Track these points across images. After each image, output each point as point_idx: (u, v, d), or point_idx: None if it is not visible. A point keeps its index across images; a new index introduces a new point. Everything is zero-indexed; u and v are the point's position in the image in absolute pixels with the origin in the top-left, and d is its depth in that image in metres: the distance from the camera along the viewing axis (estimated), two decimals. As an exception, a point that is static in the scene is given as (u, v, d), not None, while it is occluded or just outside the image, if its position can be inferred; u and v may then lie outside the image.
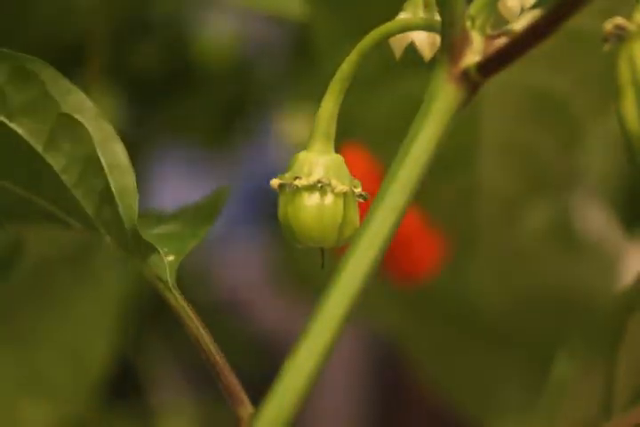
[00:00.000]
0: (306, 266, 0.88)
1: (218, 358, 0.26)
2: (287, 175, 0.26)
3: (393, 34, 0.26)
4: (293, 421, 0.25)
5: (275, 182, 0.26)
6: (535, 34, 0.24)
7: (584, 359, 0.28)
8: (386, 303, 0.75)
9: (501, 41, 0.25)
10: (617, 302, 0.29)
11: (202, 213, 0.29)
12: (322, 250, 0.27)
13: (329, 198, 0.26)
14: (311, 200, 0.26)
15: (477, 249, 0.72)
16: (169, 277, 0.26)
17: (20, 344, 0.64)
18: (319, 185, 0.26)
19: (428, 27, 0.26)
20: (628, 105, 0.24)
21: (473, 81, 0.25)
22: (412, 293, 0.71)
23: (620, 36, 0.24)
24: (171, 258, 0.27)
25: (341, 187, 0.26)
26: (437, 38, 0.26)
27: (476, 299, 0.72)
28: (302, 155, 0.26)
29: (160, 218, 0.29)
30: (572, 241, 0.73)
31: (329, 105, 0.26)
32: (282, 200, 0.26)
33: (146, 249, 0.26)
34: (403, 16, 0.27)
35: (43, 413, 0.65)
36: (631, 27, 0.24)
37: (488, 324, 0.72)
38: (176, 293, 0.26)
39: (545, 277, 0.73)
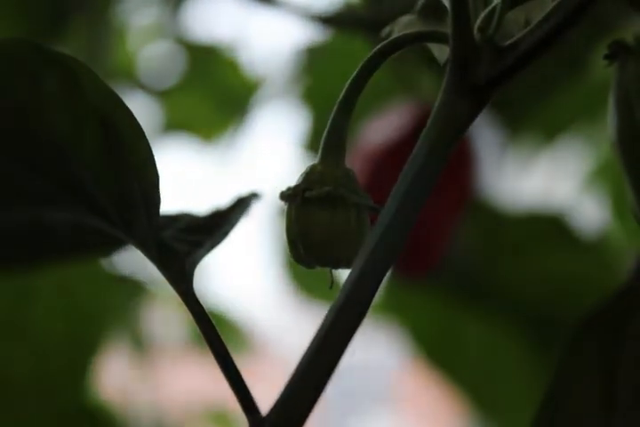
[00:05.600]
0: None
1: (230, 362, 0.26)
2: (297, 186, 0.26)
3: (403, 46, 0.26)
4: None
5: (284, 194, 0.26)
6: (542, 46, 0.25)
7: (585, 359, 0.28)
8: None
9: (509, 53, 0.25)
10: (616, 302, 0.29)
11: (223, 219, 0.29)
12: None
13: (340, 210, 0.25)
14: (322, 212, 0.25)
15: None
16: (186, 280, 0.26)
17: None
18: (330, 197, 0.25)
19: (437, 38, 0.26)
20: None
21: (482, 93, 0.25)
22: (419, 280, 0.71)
23: (622, 52, 0.25)
24: (189, 261, 0.27)
25: (353, 198, 0.25)
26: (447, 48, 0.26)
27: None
28: (313, 167, 0.26)
29: (181, 221, 0.29)
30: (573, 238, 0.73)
31: (339, 117, 0.26)
32: (290, 212, 0.26)
33: (165, 251, 0.27)
34: (408, 18, 0.27)
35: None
36: (634, 43, 0.25)
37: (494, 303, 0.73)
38: (192, 294, 0.26)
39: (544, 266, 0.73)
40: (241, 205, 0.29)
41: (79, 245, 0.25)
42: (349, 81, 0.26)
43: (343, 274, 0.26)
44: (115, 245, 0.26)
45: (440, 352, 0.76)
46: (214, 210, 0.29)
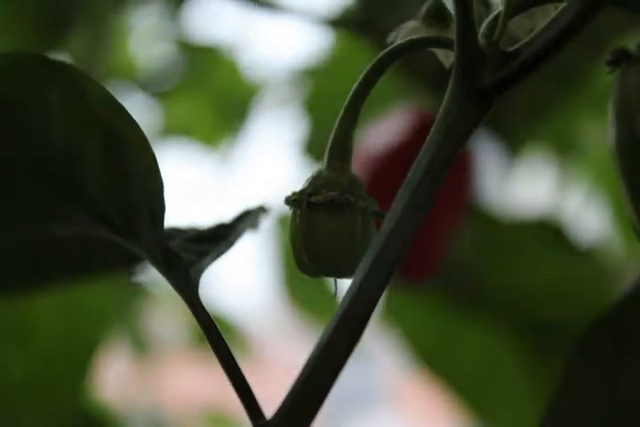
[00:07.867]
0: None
1: (235, 368, 0.26)
2: (302, 191, 0.26)
3: (408, 51, 0.26)
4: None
5: (289, 198, 0.26)
6: (546, 51, 0.25)
7: (589, 362, 0.28)
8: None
9: (514, 58, 0.25)
10: (618, 306, 0.29)
11: (229, 230, 0.29)
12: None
13: (346, 216, 0.25)
14: (327, 217, 0.25)
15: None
16: (192, 288, 0.27)
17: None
18: (336, 202, 0.25)
19: (442, 43, 0.26)
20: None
21: (487, 97, 0.25)
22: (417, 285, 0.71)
23: (624, 60, 0.25)
24: (194, 269, 0.27)
25: (359, 204, 0.25)
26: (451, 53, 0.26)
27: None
28: (319, 172, 0.26)
29: (188, 232, 0.29)
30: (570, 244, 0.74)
31: (346, 122, 0.26)
32: (295, 218, 0.26)
33: (170, 259, 0.27)
34: (412, 24, 0.27)
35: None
36: (636, 51, 0.25)
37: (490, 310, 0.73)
38: (198, 302, 0.26)
39: (542, 273, 0.73)
40: (247, 217, 0.29)
41: (87, 258, 0.25)
42: (355, 85, 0.26)
43: (342, 285, 0.26)
44: (122, 255, 0.26)
45: (437, 359, 0.76)
46: (220, 222, 0.30)
